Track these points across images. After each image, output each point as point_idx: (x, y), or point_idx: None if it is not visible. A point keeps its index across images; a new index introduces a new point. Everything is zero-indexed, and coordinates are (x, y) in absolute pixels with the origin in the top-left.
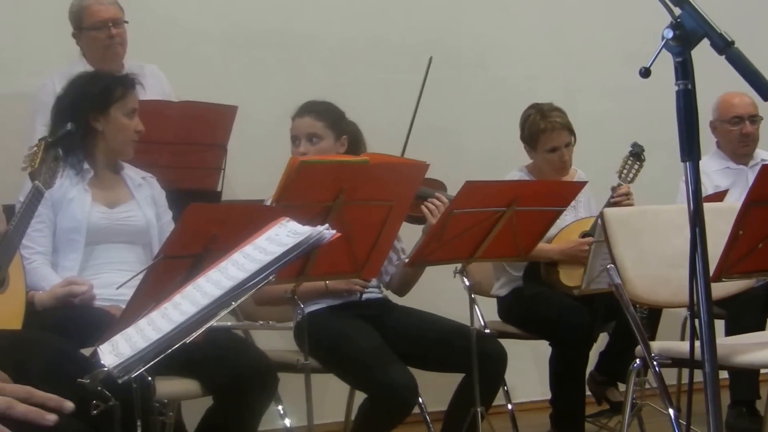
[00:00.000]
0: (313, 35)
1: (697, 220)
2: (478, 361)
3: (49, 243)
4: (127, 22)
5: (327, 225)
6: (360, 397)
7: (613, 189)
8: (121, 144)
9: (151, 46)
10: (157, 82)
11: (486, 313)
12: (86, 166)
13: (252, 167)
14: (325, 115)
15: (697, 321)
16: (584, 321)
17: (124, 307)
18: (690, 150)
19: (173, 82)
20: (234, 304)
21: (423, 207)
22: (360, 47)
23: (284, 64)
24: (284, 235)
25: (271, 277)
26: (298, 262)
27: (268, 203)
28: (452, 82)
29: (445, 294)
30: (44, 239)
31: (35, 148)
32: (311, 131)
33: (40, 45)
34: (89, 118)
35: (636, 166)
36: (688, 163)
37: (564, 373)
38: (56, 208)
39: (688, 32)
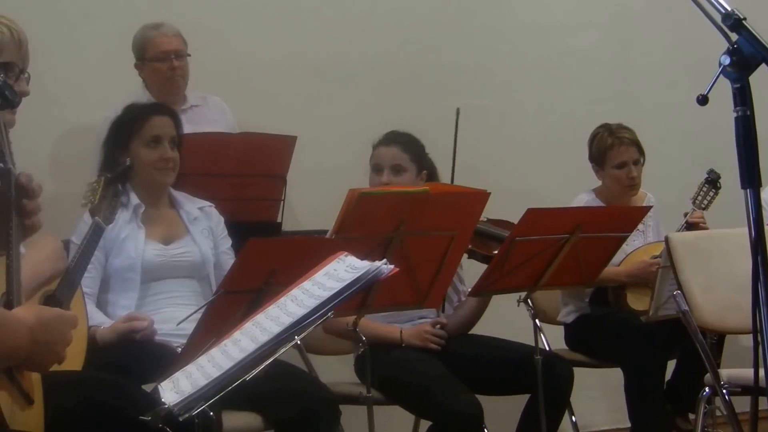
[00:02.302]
0: (371, 61)
1: (758, 247)
2: (543, 380)
3: (96, 284)
4: (189, 55)
5: (385, 260)
6: (425, 426)
7: (686, 215)
8: (147, 175)
9: (211, 76)
10: (220, 114)
11: (552, 342)
12: (136, 201)
13: (312, 197)
14: (411, 147)
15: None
16: (657, 344)
17: (179, 341)
18: (750, 177)
19: (232, 113)
20: (294, 341)
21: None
22: (421, 73)
23: (342, 91)
24: (342, 270)
25: (330, 314)
26: (359, 295)
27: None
28: (512, 106)
29: (509, 323)
30: (91, 280)
31: (95, 184)
32: (396, 162)
33: (102, 77)
34: (117, 154)
35: (711, 193)
36: (748, 191)
37: (642, 399)
38: (109, 248)
39: (746, 58)
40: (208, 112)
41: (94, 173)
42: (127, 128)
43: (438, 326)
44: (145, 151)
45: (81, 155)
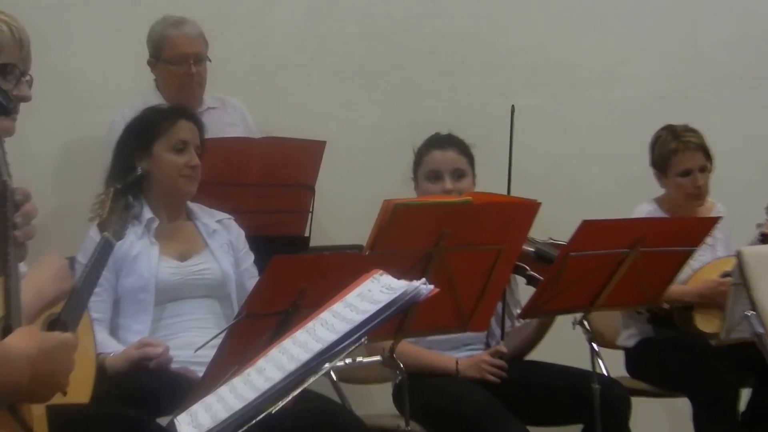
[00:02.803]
0: (406, 59)
1: None
2: (600, 410)
3: (108, 308)
4: (209, 60)
5: (424, 279)
6: None
7: (759, 226)
8: (171, 183)
9: (230, 75)
10: (240, 117)
11: (611, 368)
12: (149, 215)
13: (343, 208)
14: (467, 150)
15: None
16: (729, 370)
17: (198, 369)
18: None
19: (252, 116)
20: (324, 370)
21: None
22: (461, 71)
23: (375, 91)
24: (377, 290)
25: (363, 339)
26: (396, 317)
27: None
28: (568, 105)
29: (563, 347)
30: (102, 304)
31: (103, 196)
32: (457, 166)
33: (109, 77)
34: (134, 159)
35: None
36: None
37: None
38: (119, 267)
39: None
40: (226, 115)
41: (101, 184)
42: (150, 130)
43: (498, 355)
44: (170, 156)
45: (86, 163)
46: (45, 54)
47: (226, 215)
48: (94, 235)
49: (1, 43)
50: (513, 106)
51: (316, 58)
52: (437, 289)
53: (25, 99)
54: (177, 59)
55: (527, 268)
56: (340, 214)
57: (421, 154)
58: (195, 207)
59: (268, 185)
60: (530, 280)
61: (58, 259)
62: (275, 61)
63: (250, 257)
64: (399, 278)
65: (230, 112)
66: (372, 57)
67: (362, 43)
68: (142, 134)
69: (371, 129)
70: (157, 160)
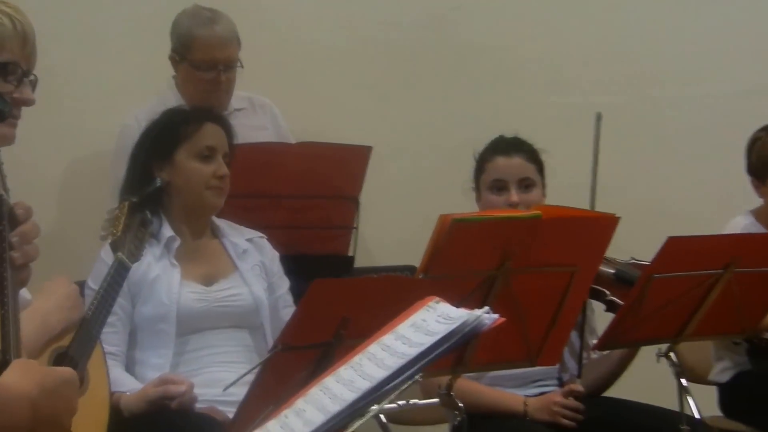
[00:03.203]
0: (461, 51)
1: None
2: None
3: (123, 341)
4: (241, 65)
5: (487, 307)
6: None
7: None
8: (195, 196)
9: (258, 71)
10: (270, 119)
11: (703, 407)
12: (170, 232)
13: (391, 223)
14: (535, 157)
15: None
16: None
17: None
18: None
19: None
20: (372, 412)
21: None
22: (524, 66)
23: (426, 88)
24: (433, 320)
25: (417, 376)
26: (454, 351)
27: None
28: (651, 105)
29: (647, 382)
30: (116, 336)
31: (117, 211)
32: (525, 175)
33: (121, 74)
34: (153, 168)
35: None
36: None
37: None
38: (135, 292)
39: None
40: (255, 117)
41: (113, 197)
42: (172, 135)
43: (572, 395)
44: (195, 164)
45: (95, 173)
46: (43, 49)
47: (258, 233)
48: (106, 257)
49: (1, 38)
50: (599, 114)
51: (353, 48)
52: (502, 319)
53: (28, 102)
54: (205, 65)
55: (606, 292)
56: (388, 230)
57: (483, 161)
58: (222, 223)
59: (306, 197)
60: (609, 306)
61: (66, 285)
62: (305, 54)
63: (286, 282)
64: (458, 305)
65: (259, 113)
66: (419, 46)
67: (408, 32)
68: (161, 140)
69: (420, 129)
70: (179, 169)
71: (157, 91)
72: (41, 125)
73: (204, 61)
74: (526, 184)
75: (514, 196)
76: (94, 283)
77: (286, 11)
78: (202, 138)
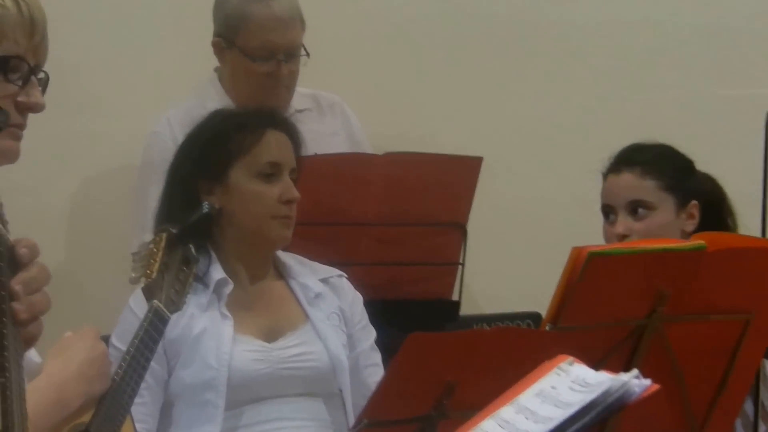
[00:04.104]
0: (597, 27)
1: None
2: None
3: (153, 416)
4: (308, 54)
5: (636, 371)
6: None
7: None
8: (257, 227)
9: (325, 60)
10: (342, 121)
11: None
12: (219, 274)
13: (505, 258)
14: (660, 167)
15: None
16: None
17: None
18: None
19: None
20: None
21: None
22: (681, 45)
23: (541, 88)
24: (566, 388)
25: None
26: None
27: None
28: None
29: None
30: (143, 409)
31: (151, 245)
32: (635, 197)
33: (152, 69)
34: (199, 189)
35: None
36: None
37: None
38: (173, 353)
39: None
40: (323, 120)
41: (142, 227)
42: (225, 146)
43: None
44: (256, 186)
45: (117, 198)
46: (54, 38)
47: (336, 271)
48: (136, 306)
49: (2, 24)
50: None
51: (442, 37)
52: (656, 386)
53: (36, 108)
54: (261, 52)
55: None
56: (504, 267)
57: (604, 180)
58: (289, 259)
59: (396, 224)
60: None
61: (90, 343)
62: (382, 45)
63: (371, 334)
64: (597, 367)
65: (327, 114)
66: (534, 29)
67: (507, 21)
68: (210, 153)
69: (540, 134)
70: (234, 192)
71: (194, 88)
72: (49, 135)
73: (259, 47)
74: (634, 207)
75: (620, 225)
76: (120, 341)
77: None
78: (264, 151)
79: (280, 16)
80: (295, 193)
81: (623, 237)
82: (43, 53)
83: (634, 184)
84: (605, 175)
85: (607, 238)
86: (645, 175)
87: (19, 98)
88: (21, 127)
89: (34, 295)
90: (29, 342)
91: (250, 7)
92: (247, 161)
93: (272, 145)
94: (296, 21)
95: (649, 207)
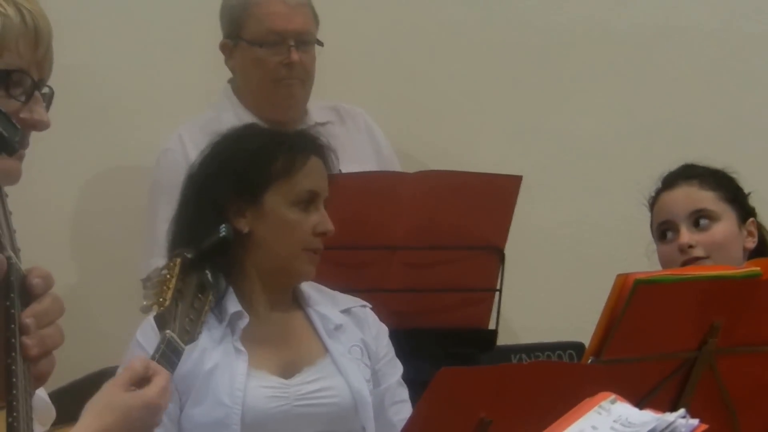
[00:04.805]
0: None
1: None
2: None
3: None
4: (321, 43)
5: (683, 411)
6: None
7: None
8: (284, 256)
9: (347, 67)
10: (366, 137)
11: None
12: (235, 306)
13: (542, 283)
14: (716, 180)
15: None
16: None
17: None
18: None
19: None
20: None
21: None
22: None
23: (583, 101)
24: (607, 428)
25: None
26: None
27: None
28: None
29: None
30: None
31: (165, 272)
32: (698, 206)
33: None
34: (229, 212)
35: None
36: None
37: None
38: (184, 389)
39: None
40: (346, 134)
41: (150, 252)
42: (267, 166)
43: None
44: (294, 214)
45: (126, 220)
46: (59, 46)
47: (360, 301)
48: (143, 338)
49: (4, 35)
50: None
51: (480, 49)
52: (704, 426)
53: (40, 126)
54: (269, 37)
55: None
56: (544, 294)
57: (651, 206)
58: (308, 288)
59: (428, 247)
60: None
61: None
62: (415, 57)
63: (397, 369)
64: (641, 405)
65: (351, 128)
66: (576, 35)
67: (550, 33)
68: (249, 171)
69: (582, 151)
70: (269, 217)
71: (209, 103)
72: (51, 151)
73: (266, 32)
74: (699, 217)
75: (685, 235)
76: None
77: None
78: (306, 178)
79: (286, 0)
80: (331, 227)
81: (689, 248)
82: (47, 67)
83: (694, 195)
84: (656, 197)
85: (666, 260)
86: (704, 186)
87: (22, 115)
88: (24, 146)
89: (46, 329)
90: (40, 379)
91: None
92: (287, 186)
93: (315, 173)
94: (306, 8)
95: (711, 217)
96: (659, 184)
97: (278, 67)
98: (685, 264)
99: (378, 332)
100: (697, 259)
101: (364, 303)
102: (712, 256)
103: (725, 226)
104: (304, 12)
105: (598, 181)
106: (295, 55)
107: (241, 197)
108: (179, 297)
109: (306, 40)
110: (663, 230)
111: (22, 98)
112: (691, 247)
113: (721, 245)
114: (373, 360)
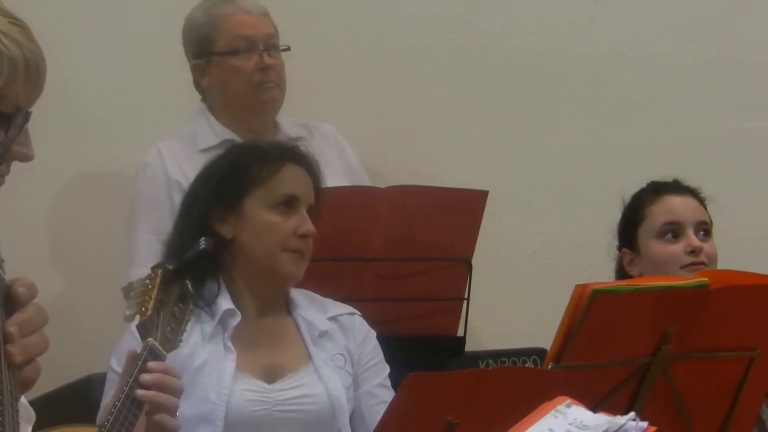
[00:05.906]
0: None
1: None
2: None
3: None
4: (288, 48)
5: (633, 414)
6: None
7: None
8: (267, 258)
9: (315, 97)
10: (336, 152)
11: None
12: (227, 304)
13: (506, 293)
14: (705, 204)
15: None
16: None
17: None
18: None
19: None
20: None
21: None
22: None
23: (550, 120)
24: (563, 431)
25: None
26: None
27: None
28: None
29: None
30: None
31: (147, 281)
32: (702, 218)
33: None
34: (213, 219)
35: None
36: None
37: None
38: None
39: None
40: (316, 149)
41: (132, 264)
42: (240, 176)
43: None
44: (270, 216)
45: (108, 233)
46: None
47: (348, 309)
48: (126, 344)
49: (9, 79)
50: None
51: (448, 70)
52: (653, 428)
53: (25, 159)
54: (241, 43)
55: None
56: (508, 303)
57: (641, 207)
58: (298, 296)
59: (400, 259)
60: None
61: None
62: (386, 77)
63: (382, 372)
64: (595, 408)
65: (321, 144)
66: (547, 59)
67: (514, 55)
68: (226, 181)
69: (547, 167)
70: (247, 222)
71: (187, 117)
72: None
73: (237, 39)
74: (703, 228)
75: (695, 239)
76: (119, 365)
77: (353, 19)
78: (281, 183)
79: (248, 10)
80: (311, 228)
81: (698, 252)
82: (35, 98)
83: (699, 208)
84: (656, 198)
85: (667, 259)
86: (702, 206)
87: (13, 147)
88: (3, 173)
89: (30, 337)
90: (26, 385)
91: (216, 10)
92: (264, 192)
93: (290, 178)
94: (266, 17)
95: (709, 233)
96: (654, 189)
97: (254, 72)
98: (692, 266)
99: (364, 338)
100: (702, 264)
101: (353, 311)
102: (709, 267)
103: (714, 245)
104: (267, 21)
105: (560, 196)
106: (267, 59)
107: (222, 204)
108: (161, 307)
109: (275, 44)
110: (666, 230)
111: (16, 131)
112: (700, 250)
113: (714, 260)
114: (356, 366)
